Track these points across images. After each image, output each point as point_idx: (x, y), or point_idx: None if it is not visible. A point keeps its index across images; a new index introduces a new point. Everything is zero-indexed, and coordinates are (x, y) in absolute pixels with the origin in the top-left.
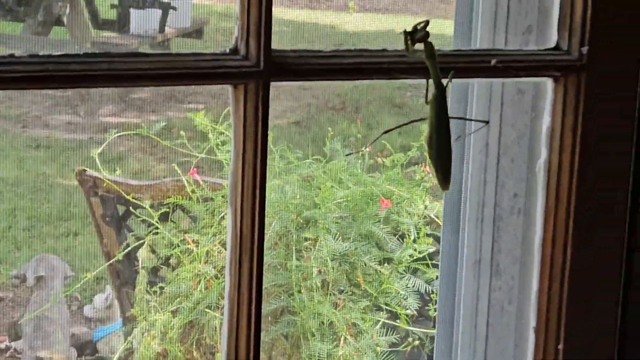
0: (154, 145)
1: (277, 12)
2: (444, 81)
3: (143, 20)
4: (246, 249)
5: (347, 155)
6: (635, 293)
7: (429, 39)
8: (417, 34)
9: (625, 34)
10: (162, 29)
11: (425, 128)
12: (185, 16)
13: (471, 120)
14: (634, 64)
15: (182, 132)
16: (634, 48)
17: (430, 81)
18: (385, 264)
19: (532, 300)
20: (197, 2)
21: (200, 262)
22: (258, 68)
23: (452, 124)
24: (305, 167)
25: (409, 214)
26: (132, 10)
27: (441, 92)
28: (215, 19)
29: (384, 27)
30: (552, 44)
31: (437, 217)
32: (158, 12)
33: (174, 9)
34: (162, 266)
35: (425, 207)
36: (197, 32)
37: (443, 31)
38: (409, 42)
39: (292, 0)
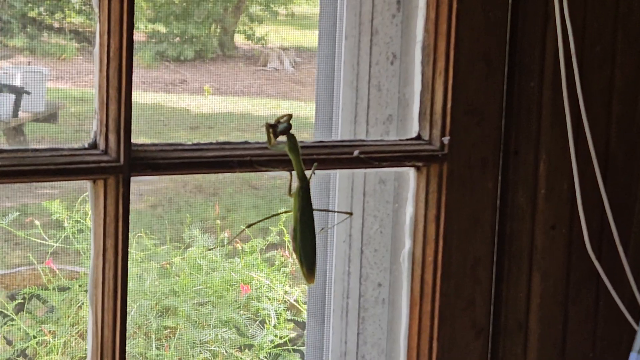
0: (7, 232)
1: (133, 96)
2: (307, 173)
3: None
4: (108, 351)
5: (209, 249)
6: None
7: (292, 132)
8: (280, 127)
9: (485, 125)
10: (15, 114)
11: (289, 219)
12: (40, 100)
13: (335, 212)
14: (496, 154)
15: (36, 222)
16: (493, 138)
17: (294, 173)
18: (247, 350)
19: None
20: (52, 86)
21: (57, 354)
22: (118, 163)
23: (316, 215)
24: (164, 253)
25: (269, 299)
26: None
27: (305, 184)
28: (70, 103)
29: (239, 110)
30: (414, 134)
31: (298, 302)
32: (11, 97)
33: (28, 93)
34: (18, 358)
35: (285, 292)
36: (51, 116)
37: (299, 113)
38: (271, 134)
39: (148, 83)
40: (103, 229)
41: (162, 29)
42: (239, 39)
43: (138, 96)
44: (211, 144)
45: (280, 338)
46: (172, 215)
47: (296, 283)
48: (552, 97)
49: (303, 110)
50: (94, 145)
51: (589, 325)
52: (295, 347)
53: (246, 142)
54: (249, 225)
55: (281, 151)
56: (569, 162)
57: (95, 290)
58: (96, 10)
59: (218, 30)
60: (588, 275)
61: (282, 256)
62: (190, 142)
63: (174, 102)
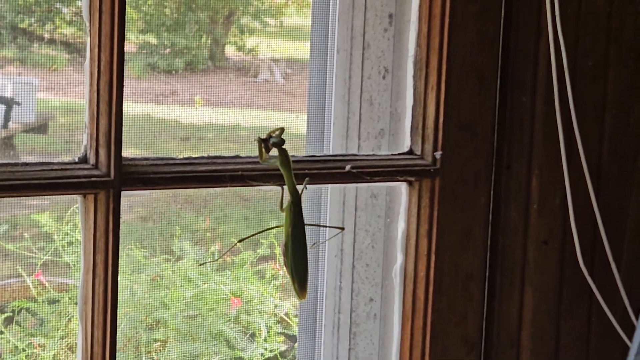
0: None
1: (123, 107)
2: (299, 188)
3: None
4: None
5: (200, 264)
6: None
7: (284, 147)
8: (271, 141)
9: (477, 139)
10: (5, 125)
11: (281, 234)
12: (30, 111)
13: (327, 227)
14: (488, 169)
15: (25, 235)
16: (485, 153)
17: (285, 188)
18: None
19: None
20: (42, 97)
21: None
22: (108, 177)
23: (308, 230)
24: (154, 266)
25: (260, 312)
26: None
27: (296, 199)
28: (61, 114)
29: (230, 121)
30: (405, 148)
31: (288, 315)
32: (1, 108)
33: (18, 104)
34: None
35: (276, 306)
36: (42, 127)
37: (289, 124)
38: (263, 149)
39: (138, 95)
40: (93, 244)
41: (152, 40)
42: (229, 51)
43: (128, 107)
44: (202, 158)
45: (271, 351)
46: (162, 227)
47: (287, 296)
48: (545, 112)
49: (293, 122)
50: (84, 160)
51: (582, 341)
52: None
53: (237, 157)
54: (241, 240)
55: (273, 166)
56: (561, 177)
57: (85, 306)
58: (87, 23)
59: (209, 41)
60: (580, 291)
61: (273, 269)
62: (181, 157)
63: (164, 114)
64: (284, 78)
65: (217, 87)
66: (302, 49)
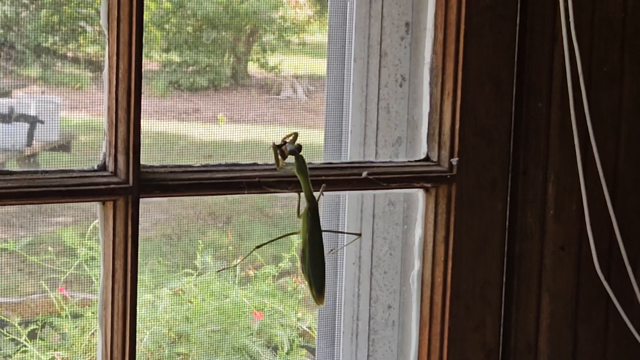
0: (21, 260)
1: (145, 124)
2: (316, 194)
3: (9, 135)
4: None
5: (218, 271)
6: None
7: (300, 153)
8: (287, 148)
9: (494, 146)
10: (29, 143)
11: (298, 241)
12: (53, 129)
13: (344, 233)
14: (504, 175)
15: (50, 248)
16: (502, 159)
17: (302, 194)
18: None
19: None
20: (65, 115)
21: None
22: (127, 184)
23: (325, 236)
24: (176, 280)
25: (282, 325)
26: None
27: (313, 205)
28: (84, 132)
29: (252, 138)
30: (422, 155)
31: (310, 329)
32: (25, 126)
33: (42, 122)
34: None
35: (298, 319)
36: (65, 146)
37: (312, 141)
38: (279, 156)
39: (161, 112)
40: (112, 251)
41: (175, 58)
42: (252, 68)
43: (151, 125)
44: (220, 165)
45: None
46: (184, 242)
47: (309, 310)
48: (560, 118)
49: (316, 138)
50: (103, 167)
51: (599, 346)
52: None
53: (255, 164)
54: (258, 247)
55: (289, 172)
56: (577, 183)
57: (104, 312)
58: (105, 32)
59: (231, 59)
60: (597, 296)
61: (295, 282)
62: (198, 164)
63: (187, 131)
64: (306, 95)
65: (240, 104)
66: (324, 66)
